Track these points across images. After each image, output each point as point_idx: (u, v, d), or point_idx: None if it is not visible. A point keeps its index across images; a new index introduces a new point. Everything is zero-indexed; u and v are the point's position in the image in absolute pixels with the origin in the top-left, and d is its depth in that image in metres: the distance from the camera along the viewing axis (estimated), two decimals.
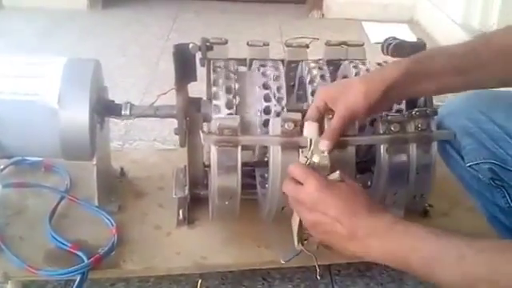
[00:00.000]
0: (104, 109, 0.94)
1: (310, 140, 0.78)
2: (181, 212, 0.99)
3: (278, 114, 0.87)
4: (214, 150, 0.82)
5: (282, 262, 0.80)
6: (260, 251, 0.94)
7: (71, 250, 0.90)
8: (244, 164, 0.89)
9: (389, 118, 0.85)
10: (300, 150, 0.81)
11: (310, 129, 0.79)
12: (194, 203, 1.00)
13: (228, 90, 0.88)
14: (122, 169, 1.14)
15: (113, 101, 0.96)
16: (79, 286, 0.85)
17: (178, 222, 0.99)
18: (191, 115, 0.91)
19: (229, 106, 0.87)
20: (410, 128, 0.87)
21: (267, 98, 0.88)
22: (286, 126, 0.82)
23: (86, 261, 0.87)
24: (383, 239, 0.63)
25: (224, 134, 0.82)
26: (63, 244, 0.91)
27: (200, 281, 0.97)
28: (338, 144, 0.80)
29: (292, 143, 0.82)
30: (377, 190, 0.87)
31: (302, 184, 0.69)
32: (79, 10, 2.75)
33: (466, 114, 0.88)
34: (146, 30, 2.54)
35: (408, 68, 0.76)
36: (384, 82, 0.75)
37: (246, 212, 0.87)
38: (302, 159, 0.80)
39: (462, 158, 0.88)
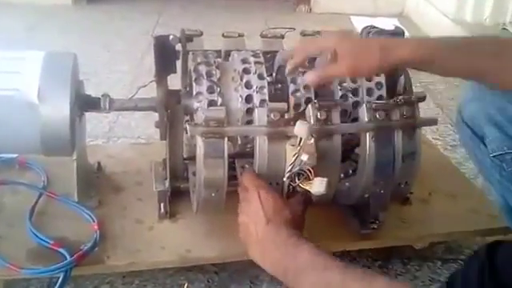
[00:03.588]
0: (84, 103, 0.93)
1: (300, 138, 0.78)
2: (162, 206, 0.98)
3: (260, 102, 0.86)
4: (200, 141, 0.82)
5: None
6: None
7: (53, 247, 0.89)
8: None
9: (374, 105, 0.85)
10: (287, 141, 0.81)
11: (300, 128, 0.78)
12: (175, 196, 0.99)
13: (208, 75, 0.87)
14: (98, 163, 1.12)
15: (89, 95, 0.95)
16: (62, 284, 0.84)
17: (160, 215, 0.98)
18: (172, 107, 0.90)
19: (210, 90, 0.86)
20: (395, 116, 0.86)
21: (248, 86, 0.87)
22: (272, 115, 0.81)
23: (68, 258, 0.85)
24: (278, 248, 0.74)
25: (210, 125, 0.81)
26: (45, 241, 0.90)
27: (186, 284, 0.96)
28: (324, 132, 0.82)
29: (279, 133, 0.82)
30: (361, 177, 0.86)
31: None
32: (64, 5, 2.73)
33: (492, 101, 0.86)
34: (131, 25, 2.52)
35: (424, 55, 0.76)
36: (400, 58, 0.76)
37: (228, 204, 0.86)
38: (289, 149, 0.80)
39: (485, 145, 0.87)
